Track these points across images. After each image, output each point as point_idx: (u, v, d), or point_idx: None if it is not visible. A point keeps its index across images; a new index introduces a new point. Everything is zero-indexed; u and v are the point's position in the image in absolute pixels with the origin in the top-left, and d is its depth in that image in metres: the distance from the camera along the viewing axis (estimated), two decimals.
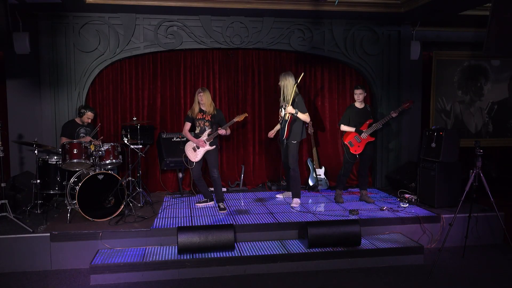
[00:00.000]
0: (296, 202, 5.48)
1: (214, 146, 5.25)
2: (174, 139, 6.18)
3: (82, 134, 5.53)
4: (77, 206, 4.66)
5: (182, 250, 4.19)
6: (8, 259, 4.25)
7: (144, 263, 4.04)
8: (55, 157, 5.26)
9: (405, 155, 6.81)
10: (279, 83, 5.43)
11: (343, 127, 5.62)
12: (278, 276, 4.11)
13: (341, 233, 4.44)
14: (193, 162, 5.31)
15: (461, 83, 7.43)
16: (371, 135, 5.50)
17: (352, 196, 6.09)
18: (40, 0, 5.07)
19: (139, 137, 5.42)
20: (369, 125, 5.50)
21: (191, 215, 5.10)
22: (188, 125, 5.37)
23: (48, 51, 5.86)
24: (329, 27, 6.44)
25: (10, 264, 4.25)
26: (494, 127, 7.62)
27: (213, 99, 5.38)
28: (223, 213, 5.18)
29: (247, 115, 5.32)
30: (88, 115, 5.54)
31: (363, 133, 5.47)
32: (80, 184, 4.65)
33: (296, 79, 5.31)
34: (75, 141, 4.95)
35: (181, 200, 5.90)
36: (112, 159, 5.16)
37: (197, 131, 5.34)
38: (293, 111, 5.22)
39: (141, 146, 5.43)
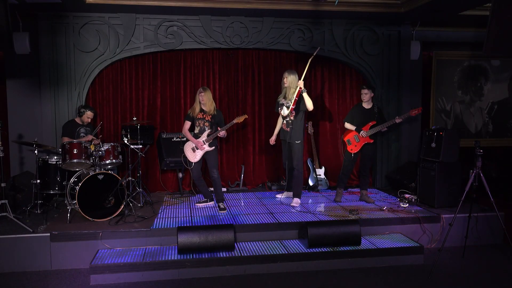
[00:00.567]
0: (296, 202, 5.49)
1: (213, 147, 5.25)
2: (174, 139, 6.18)
3: (82, 134, 5.54)
4: (77, 206, 4.65)
5: (182, 250, 4.19)
6: (8, 259, 4.25)
7: (144, 263, 4.03)
8: (55, 157, 5.26)
9: (405, 155, 6.81)
10: (284, 80, 5.37)
11: (346, 125, 5.65)
12: (278, 276, 4.11)
13: (341, 233, 4.44)
14: (192, 162, 5.31)
15: (461, 83, 7.43)
16: (370, 137, 5.48)
17: (352, 196, 6.09)
18: (40, 0, 5.06)
19: (139, 137, 5.42)
20: (371, 127, 5.49)
21: (191, 215, 5.10)
22: (188, 124, 5.36)
23: (48, 51, 5.86)
24: (329, 27, 6.44)
25: (10, 264, 4.25)
26: (494, 127, 7.62)
27: (213, 99, 5.37)
28: (223, 213, 5.18)
29: (247, 116, 5.31)
30: (88, 115, 5.54)
31: (361, 132, 5.47)
32: (80, 184, 4.65)
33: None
34: (75, 141, 4.95)
35: (181, 200, 5.90)
36: (112, 159, 5.16)
37: (196, 131, 5.33)
38: (302, 84, 5.18)
39: (141, 146, 5.43)
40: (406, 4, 5.86)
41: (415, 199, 5.63)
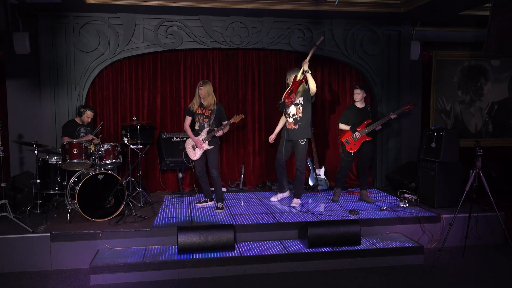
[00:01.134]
0: (296, 202, 5.49)
1: (212, 146, 5.20)
2: (174, 139, 6.18)
3: (82, 134, 5.53)
4: (77, 206, 4.65)
5: (182, 250, 4.19)
6: (8, 259, 4.25)
7: (144, 263, 4.03)
8: (55, 157, 5.26)
9: (405, 155, 6.81)
10: (288, 80, 5.34)
11: (341, 126, 5.68)
12: (278, 276, 4.11)
13: (341, 233, 4.44)
14: (193, 160, 5.30)
15: (461, 83, 7.43)
16: (368, 135, 5.51)
17: (352, 196, 6.09)
18: (40, 0, 5.07)
19: (139, 137, 5.42)
20: (367, 125, 5.51)
21: (191, 215, 5.10)
22: (188, 119, 5.30)
23: (48, 51, 5.86)
24: (329, 27, 6.44)
25: (10, 264, 4.25)
26: (494, 127, 7.62)
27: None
28: (220, 212, 5.16)
29: (243, 116, 5.24)
30: (88, 114, 5.54)
31: (356, 132, 5.49)
32: (80, 184, 4.65)
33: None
34: (75, 141, 4.95)
35: (181, 200, 5.90)
36: (112, 159, 5.16)
37: (196, 127, 5.28)
38: (306, 66, 5.10)
39: (141, 146, 5.42)
40: (406, 4, 5.86)
41: (415, 199, 5.63)
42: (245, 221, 4.83)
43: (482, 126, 7.58)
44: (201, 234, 4.24)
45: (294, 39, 6.38)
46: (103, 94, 6.29)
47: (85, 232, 4.39)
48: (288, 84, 5.35)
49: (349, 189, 6.56)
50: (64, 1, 5.20)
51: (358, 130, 5.50)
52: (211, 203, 5.55)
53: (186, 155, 5.38)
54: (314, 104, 6.76)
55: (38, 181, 4.92)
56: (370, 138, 5.56)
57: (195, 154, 5.27)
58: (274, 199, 5.78)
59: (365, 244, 4.52)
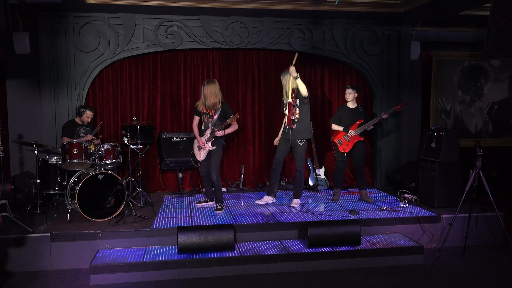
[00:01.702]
0: (296, 202, 5.49)
1: (215, 147, 5.17)
2: (174, 139, 6.18)
3: (82, 134, 5.53)
4: (77, 206, 4.65)
5: (182, 250, 4.19)
6: (8, 259, 4.24)
7: (144, 263, 4.03)
8: (55, 157, 5.26)
9: (405, 155, 6.81)
10: (283, 83, 5.34)
11: (333, 126, 5.71)
12: (278, 276, 4.11)
13: (341, 233, 4.44)
14: (198, 161, 5.29)
15: (461, 83, 7.43)
16: (360, 135, 5.53)
17: (352, 196, 6.09)
18: (40, 0, 5.06)
19: (139, 137, 5.42)
20: (359, 125, 5.52)
21: (191, 215, 5.10)
22: (196, 119, 5.28)
23: (48, 51, 5.86)
24: (329, 27, 6.44)
25: (10, 264, 4.24)
26: (494, 127, 7.62)
27: None
28: (219, 213, 5.16)
29: (238, 116, 5.11)
30: (88, 114, 5.54)
31: (350, 132, 5.50)
32: (80, 184, 4.65)
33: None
34: (75, 141, 4.95)
35: (181, 200, 5.90)
36: (112, 159, 5.16)
37: (202, 127, 5.28)
38: (294, 73, 5.06)
39: (141, 146, 5.42)
40: (406, 4, 5.86)
41: (415, 199, 5.63)
42: (245, 221, 4.83)
43: (482, 126, 7.58)
44: (201, 234, 4.24)
45: (294, 39, 6.38)
46: (103, 94, 6.28)
47: (85, 232, 4.39)
48: (284, 86, 5.33)
49: (349, 189, 6.57)
50: (64, 1, 5.20)
51: (351, 130, 5.52)
52: (211, 203, 5.55)
53: (193, 155, 5.37)
54: (314, 105, 6.81)
55: (38, 181, 4.92)
56: (363, 138, 5.59)
57: (200, 155, 5.26)
58: (259, 201, 5.62)
59: (365, 244, 4.52)
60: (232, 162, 6.71)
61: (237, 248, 4.39)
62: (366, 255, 4.37)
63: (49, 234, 4.31)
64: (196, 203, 5.62)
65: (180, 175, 6.30)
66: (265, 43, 6.33)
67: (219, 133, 5.10)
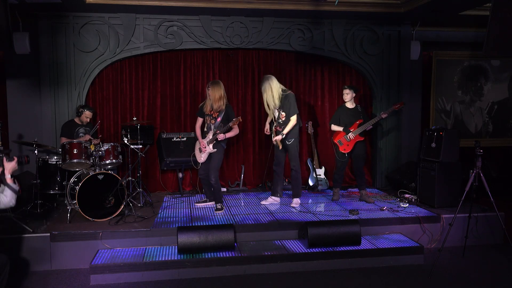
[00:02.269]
0: (296, 202, 5.49)
1: (215, 150, 5.14)
2: (174, 139, 6.18)
3: (81, 134, 5.53)
4: (77, 206, 4.65)
5: (182, 250, 4.19)
6: (8, 259, 4.23)
7: (144, 263, 4.03)
8: (55, 157, 5.26)
9: (405, 155, 6.81)
10: (263, 95, 5.28)
11: (333, 127, 5.72)
12: (278, 276, 4.11)
13: (341, 233, 4.44)
14: (199, 162, 5.29)
15: (461, 83, 7.43)
16: (360, 135, 5.53)
17: (352, 196, 6.09)
18: (40, 0, 5.07)
19: (139, 137, 5.42)
20: (359, 125, 5.53)
21: (191, 215, 5.10)
22: (199, 120, 5.27)
23: (48, 51, 5.86)
24: (329, 27, 6.44)
25: (10, 264, 4.23)
26: (494, 127, 7.62)
27: None
28: (219, 213, 5.16)
29: (241, 120, 5.08)
30: (87, 114, 5.53)
31: (350, 133, 5.50)
32: (80, 184, 4.65)
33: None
34: (75, 141, 4.95)
35: (181, 200, 5.90)
36: (112, 159, 5.16)
37: (205, 129, 5.27)
38: (280, 138, 5.25)
39: (141, 146, 5.42)
40: (406, 4, 5.86)
41: (415, 199, 5.63)
42: (245, 221, 4.83)
43: (482, 126, 7.58)
44: (201, 234, 4.24)
45: (294, 39, 6.38)
46: (103, 94, 6.29)
47: (85, 232, 4.38)
48: (264, 100, 5.30)
49: (349, 189, 6.57)
50: (64, 1, 5.20)
51: (351, 130, 5.52)
52: (210, 203, 5.54)
53: (194, 156, 5.37)
54: (314, 105, 6.82)
55: (38, 181, 4.91)
56: (363, 138, 5.59)
57: (200, 156, 5.26)
58: (264, 202, 5.66)
59: (365, 244, 4.52)
60: (232, 162, 6.71)
61: (237, 248, 4.39)
62: (366, 255, 4.37)
63: (49, 234, 4.31)
64: (196, 203, 5.62)
65: (180, 175, 6.30)
66: (265, 43, 6.33)
67: (221, 137, 5.05)
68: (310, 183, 6.50)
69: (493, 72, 7.50)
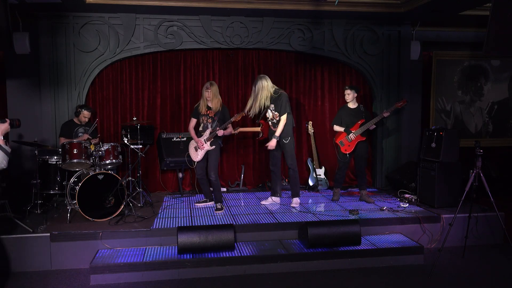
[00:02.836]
0: (296, 202, 5.49)
1: (213, 147, 5.20)
2: (174, 139, 6.18)
3: (80, 134, 5.52)
4: (77, 206, 4.65)
5: (182, 250, 4.19)
6: (8, 259, 4.24)
7: (144, 263, 4.03)
8: (55, 157, 5.25)
9: (405, 155, 6.81)
10: (255, 93, 5.25)
11: (335, 127, 5.72)
12: (278, 276, 4.11)
13: (341, 233, 4.44)
14: (194, 161, 5.30)
15: (461, 83, 7.43)
16: (362, 134, 5.53)
17: (352, 196, 6.09)
18: (40, 0, 5.07)
19: (139, 137, 5.42)
20: (361, 125, 5.53)
21: (191, 215, 5.10)
22: (193, 121, 5.33)
23: (48, 51, 5.86)
24: (329, 27, 6.44)
25: (10, 264, 4.24)
26: (494, 127, 7.62)
27: None
28: (220, 213, 5.16)
29: (244, 114, 5.28)
30: (85, 114, 5.52)
31: (351, 134, 5.50)
32: (80, 184, 4.65)
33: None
34: (75, 140, 4.95)
35: (181, 200, 5.90)
36: (112, 159, 5.16)
37: (200, 128, 5.31)
38: (274, 143, 5.28)
39: (141, 146, 5.43)
40: (406, 4, 5.86)
41: (415, 199, 5.63)
42: (245, 221, 4.83)
43: (482, 126, 7.58)
44: (201, 234, 4.24)
45: (294, 39, 6.38)
46: (103, 94, 6.29)
47: (85, 232, 4.39)
48: (256, 101, 5.26)
49: (349, 189, 6.57)
50: (64, 1, 5.19)
51: (352, 131, 5.52)
52: (210, 203, 5.55)
53: (189, 156, 5.38)
54: (314, 105, 6.82)
55: (38, 181, 4.91)
56: (365, 138, 5.58)
57: (197, 155, 5.27)
58: (265, 202, 5.67)
59: (365, 244, 4.52)
60: (232, 162, 6.71)
61: (237, 248, 4.39)
62: (366, 255, 4.37)
63: (49, 234, 4.31)
64: (196, 203, 5.62)
65: (180, 175, 6.30)
66: (265, 43, 6.33)
67: (220, 132, 5.13)
68: (310, 183, 6.50)
69: (493, 72, 7.50)
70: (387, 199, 5.87)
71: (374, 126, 5.65)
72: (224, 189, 6.45)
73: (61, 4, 5.31)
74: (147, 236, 4.48)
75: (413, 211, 5.18)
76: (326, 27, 6.44)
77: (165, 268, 4.06)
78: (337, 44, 6.49)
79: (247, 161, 6.72)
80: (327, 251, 4.33)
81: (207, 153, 5.25)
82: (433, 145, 5.35)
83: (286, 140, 5.34)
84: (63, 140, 5.32)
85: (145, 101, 6.40)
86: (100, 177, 4.79)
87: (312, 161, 6.60)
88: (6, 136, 5.18)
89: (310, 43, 6.42)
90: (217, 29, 6.19)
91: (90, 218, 4.71)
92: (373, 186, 6.88)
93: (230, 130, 5.33)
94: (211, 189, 5.54)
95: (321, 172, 6.58)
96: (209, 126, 5.20)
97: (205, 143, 5.19)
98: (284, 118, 5.24)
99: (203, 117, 5.24)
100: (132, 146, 5.37)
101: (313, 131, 6.60)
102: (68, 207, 4.80)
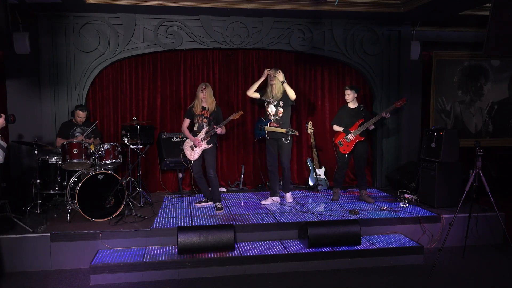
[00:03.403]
0: (290, 196, 5.66)
1: (211, 145, 5.25)
2: (174, 139, 6.18)
3: (77, 134, 5.48)
4: (77, 206, 4.65)
5: (182, 250, 4.19)
6: (8, 259, 4.24)
7: (144, 263, 4.04)
8: (55, 157, 5.25)
9: (405, 155, 6.81)
10: (274, 77, 5.37)
11: (335, 127, 5.72)
12: (278, 276, 4.11)
13: (341, 233, 4.44)
14: (191, 160, 5.32)
15: (461, 83, 7.43)
16: (361, 134, 5.53)
17: (352, 196, 6.09)
18: (40, 0, 5.06)
19: (139, 137, 5.42)
20: (360, 125, 5.53)
21: (191, 215, 5.10)
22: (187, 121, 5.37)
23: (48, 51, 5.86)
24: (329, 27, 6.44)
25: (10, 264, 4.25)
26: (494, 127, 7.62)
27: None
28: (220, 212, 5.17)
29: (243, 113, 5.38)
30: (79, 114, 5.47)
31: (349, 134, 5.50)
32: (80, 184, 4.65)
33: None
34: (74, 140, 4.94)
35: (181, 200, 5.90)
36: (112, 159, 5.16)
37: (195, 128, 5.34)
38: (281, 77, 5.33)
39: (141, 146, 5.43)
40: (406, 4, 5.86)
41: (415, 199, 5.63)
42: (245, 221, 4.83)
43: (482, 126, 7.58)
44: (201, 234, 4.24)
45: (294, 39, 6.38)
46: (103, 94, 6.28)
47: (85, 232, 4.39)
48: (272, 83, 5.39)
49: (349, 189, 6.57)
50: (64, 1, 5.20)
51: (351, 131, 5.52)
52: (210, 203, 5.55)
53: (185, 156, 5.40)
54: (314, 105, 6.82)
55: (38, 181, 4.91)
56: (364, 138, 5.57)
57: (193, 154, 5.30)
58: (264, 202, 5.68)
59: (365, 244, 4.52)
60: (232, 162, 6.71)
61: (237, 248, 4.39)
62: (366, 255, 4.37)
63: (49, 234, 4.31)
64: (196, 203, 5.62)
65: (180, 175, 6.30)
66: (265, 43, 6.33)
67: (218, 130, 5.19)
68: (310, 183, 6.50)
69: (493, 72, 7.50)
70: (387, 199, 5.86)
71: (374, 127, 5.65)
72: (224, 189, 6.45)
73: (61, 4, 5.31)
74: (147, 236, 4.48)
75: (413, 211, 5.18)
76: (326, 27, 6.44)
77: (165, 268, 4.06)
78: (337, 44, 6.49)
79: (247, 161, 6.72)
80: (327, 251, 4.33)
81: (204, 152, 5.28)
82: (433, 145, 5.35)
83: (287, 140, 5.38)
84: (59, 140, 5.32)
85: (145, 101, 6.40)
86: (100, 177, 4.79)
87: (312, 161, 6.60)
88: (3, 132, 5.20)
89: (310, 43, 6.42)
90: (217, 29, 6.19)
91: (90, 218, 4.71)
92: (373, 186, 6.87)
93: (224, 130, 5.36)
94: (210, 189, 5.54)
95: (321, 172, 6.59)
96: (205, 125, 5.27)
97: (202, 141, 5.23)
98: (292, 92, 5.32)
99: (198, 117, 5.29)
100: (132, 146, 5.37)
101: (313, 131, 6.60)
102: (68, 207, 4.80)
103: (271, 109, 5.45)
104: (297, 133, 5.50)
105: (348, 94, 5.60)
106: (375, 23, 6.54)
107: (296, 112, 6.65)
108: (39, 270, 4.26)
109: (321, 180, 6.55)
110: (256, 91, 5.58)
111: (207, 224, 4.70)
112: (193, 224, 4.71)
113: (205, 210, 5.35)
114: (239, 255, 4.23)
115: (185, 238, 4.20)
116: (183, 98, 6.48)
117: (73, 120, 5.59)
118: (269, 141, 5.56)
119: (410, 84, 6.78)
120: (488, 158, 6.83)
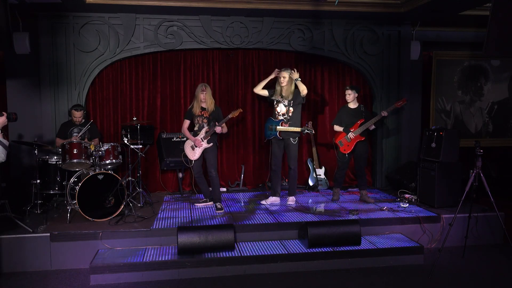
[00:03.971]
0: (292, 199, 5.60)
1: (211, 144, 5.26)
2: (174, 139, 6.19)
3: (75, 134, 5.46)
4: (77, 206, 4.65)
5: (182, 250, 4.19)
6: (8, 259, 4.24)
7: (144, 263, 4.04)
8: (55, 157, 5.25)
9: (405, 155, 6.81)
10: (284, 78, 5.39)
11: (335, 127, 5.72)
12: (278, 276, 4.11)
13: (341, 233, 4.44)
14: (192, 160, 5.32)
15: (461, 83, 7.43)
16: (361, 134, 5.53)
17: (352, 196, 6.09)
18: (40, 0, 5.07)
19: (139, 137, 5.42)
20: (360, 125, 5.53)
21: (191, 215, 5.10)
22: (187, 122, 5.38)
23: (48, 51, 5.86)
24: (329, 27, 6.44)
25: (10, 264, 4.25)
26: (494, 127, 7.62)
27: (213, 99, 5.39)
28: (220, 212, 5.18)
29: (241, 110, 5.42)
30: (74, 114, 5.45)
31: (350, 133, 5.50)
32: (80, 184, 4.65)
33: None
34: (74, 140, 4.94)
35: (181, 200, 5.90)
36: (112, 159, 5.16)
37: (195, 128, 5.35)
38: (296, 74, 5.36)
39: (141, 146, 5.42)
40: (406, 4, 5.86)
41: (415, 199, 5.63)
42: (245, 221, 4.83)
43: (482, 126, 7.58)
44: (201, 234, 4.24)
45: (294, 39, 6.38)
46: (103, 94, 6.28)
47: (85, 232, 4.39)
48: (283, 81, 5.39)
49: (349, 189, 6.56)
50: (64, 1, 5.19)
51: (351, 130, 5.52)
52: (210, 203, 5.55)
53: (185, 156, 5.41)
54: (314, 105, 6.81)
55: (38, 181, 4.91)
56: (364, 138, 5.57)
57: (194, 154, 5.30)
58: (264, 202, 5.67)
59: (365, 244, 4.52)
60: (232, 162, 6.71)
61: (237, 248, 4.39)
62: (366, 255, 4.37)
63: (49, 234, 4.31)
64: (196, 203, 5.62)
65: (180, 175, 6.30)
66: (265, 43, 6.33)
67: (219, 129, 5.20)
68: (310, 183, 6.50)
69: (493, 72, 7.50)
70: (387, 199, 5.86)
71: (374, 127, 5.65)
72: (224, 189, 6.45)
73: (61, 4, 5.31)
74: (147, 236, 4.48)
75: (413, 211, 5.18)
76: (326, 27, 6.44)
77: (165, 268, 4.06)
78: (337, 44, 6.49)
79: (247, 161, 6.72)
80: (327, 251, 4.33)
81: (204, 151, 5.29)
82: (433, 145, 5.35)
83: (295, 141, 5.38)
84: (58, 140, 5.31)
85: (145, 101, 6.40)
86: (100, 177, 4.79)
87: (312, 161, 6.60)
88: (5, 131, 5.20)
89: (310, 43, 6.42)
90: (217, 29, 6.19)
91: (90, 218, 4.71)
92: (373, 186, 6.87)
93: (225, 129, 5.38)
94: (210, 189, 5.54)
95: (321, 172, 6.58)
96: (205, 125, 5.28)
97: (203, 141, 5.23)
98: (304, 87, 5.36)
99: (198, 118, 5.31)
100: (132, 146, 5.37)
101: (313, 132, 6.58)
102: (68, 207, 4.80)
103: (281, 108, 5.43)
104: (313, 131, 5.50)
105: (349, 94, 5.60)
106: (375, 23, 6.54)
107: None
108: (39, 270, 4.26)
109: (321, 180, 6.55)
110: (263, 88, 5.60)
111: (207, 224, 4.69)
112: (193, 224, 4.71)
113: (205, 210, 5.35)
114: (239, 255, 4.23)
115: (185, 238, 4.20)
116: (183, 98, 6.48)
117: (72, 120, 5.59)
118: (275, 141, 5.53)
119: (410, 84, 6.78)
120: (488, 158, 6.83)
